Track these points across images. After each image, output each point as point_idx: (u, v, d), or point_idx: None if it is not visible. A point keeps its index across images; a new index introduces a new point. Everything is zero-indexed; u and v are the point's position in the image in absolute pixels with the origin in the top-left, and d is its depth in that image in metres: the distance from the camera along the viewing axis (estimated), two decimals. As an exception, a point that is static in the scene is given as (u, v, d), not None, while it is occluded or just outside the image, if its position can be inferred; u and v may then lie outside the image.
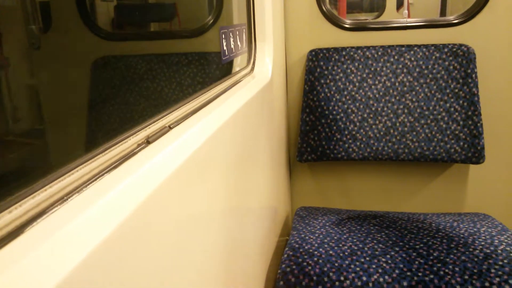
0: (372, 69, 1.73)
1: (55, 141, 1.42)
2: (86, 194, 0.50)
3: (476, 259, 1.27)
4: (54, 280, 0.37)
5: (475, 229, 1.43)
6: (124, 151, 0.62)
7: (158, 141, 0.70)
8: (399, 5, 3.54)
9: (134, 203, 0.51)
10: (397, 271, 1.24)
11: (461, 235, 1.39)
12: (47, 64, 1.60)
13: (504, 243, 1.32)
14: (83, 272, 0.40)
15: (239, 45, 1.36)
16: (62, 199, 0.48)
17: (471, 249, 1.31)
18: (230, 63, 1.45)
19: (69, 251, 0.40)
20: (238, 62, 1.50)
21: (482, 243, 1.34)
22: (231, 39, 1.26)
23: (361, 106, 1.74)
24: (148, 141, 0.67)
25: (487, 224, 1.47)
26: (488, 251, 1.29)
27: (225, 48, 1.19)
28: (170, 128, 0.76)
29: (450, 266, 1.25)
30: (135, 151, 0.64)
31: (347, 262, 1.28)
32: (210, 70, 1.82)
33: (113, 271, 0.46)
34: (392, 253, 1.31)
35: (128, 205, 0.50)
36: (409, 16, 3.68)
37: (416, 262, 1.27)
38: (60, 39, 1.68)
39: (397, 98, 1.72)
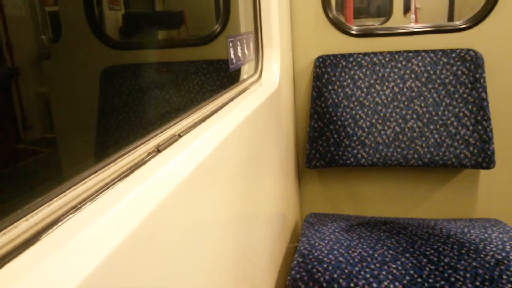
0: (380, 75, 1.73)
1: (65, 150, 1.43)
2: (99, 202, 0.51)
3: (487, 265, 1.25)
4: (69, 286, 0.38)
5: (486, 235, 1.42)
6: (135, 160, 0.63)
7: (168, 149, 0.71)
8: (406, 10, 3.54)
9: (145, 211, 0.52)
10: (407, 278, 1.23)
11: (472, 241, 1.38)
12: (56, 73, 1.62)
13: None
14: (96, 279, 0.41)
15: (247, 53, 1.37)
16: (76, 207, 0.49)
17: (482, 255, 1.30)
18: (237, 71, 1.46)
19: (83, 258, 0.41)
20: (246, 70, 1.51)
21: (494, 249, 1.32)
22: (239, 47, 1.27)
23: (369, 112, 1.73)
24: (158, 150, 0.68)
25: (498, 230, 1.46)
26: (499, 257, 1.28)
27: (232, 56, 1.20)
28: (179, 136, 0.77)
29: (461, 272, 1.24)
30: (145, 159, 0.65)
31: (357, 268, 1.27)
32: (218, 78, 1.82)
33: (124, 278, 0.46)
34: (403, 259, 1.30)
35: (140, 213, 0.51)
36: (416, 21, 3.68)
37: (427, 269, 1.26)
38: (70, 49, 1.70)
39: (406, 103, 1.72)
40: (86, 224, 0.46)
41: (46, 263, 0.39)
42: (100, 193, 0.53)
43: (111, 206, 0.50)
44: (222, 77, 1.82)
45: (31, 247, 0.41)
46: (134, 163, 0.62)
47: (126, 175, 0.58)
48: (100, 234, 0.45)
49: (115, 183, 0.56)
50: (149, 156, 0.66)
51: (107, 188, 0.54)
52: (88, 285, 0.40)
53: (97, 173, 0.55)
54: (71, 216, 0.47)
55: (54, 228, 0.45)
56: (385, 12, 3.65)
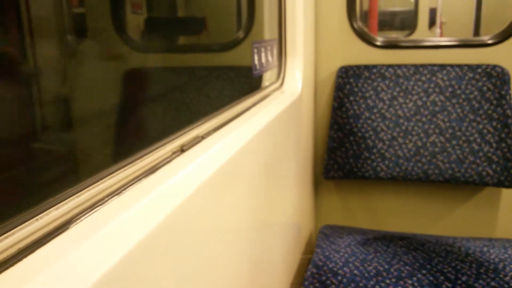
0: (403, 87, 1.71)
1: (86, 148, 1.45)
2: (124, 197, 0.53)
3: (506, 286, 1.22)
4: (91, 279, 0.39)
5: (506, 255, 1.38)
6: (160, 158, 0.64)
7: (191, 150, 0.72)
8: (432, 23, 3.51)
9: (168, 209, 0.53)
10: None
11: (491, 261, 1.35)
12: (81, 72, 1.64)
13: None
14: (115, 274, 0.42)
15: (270, 60, 1.37)
16: (101, 201, 0.50)
17: (501, 275, 1.26)
18: (259, 78, 1.45)
19: (105, 252, 0.42)
20: (268, 77, 1.51)
21: None
22: (263, 54, 1.27)
23: (391, 125, 1.71)
24: (182, 150, 0.69)
25: None
26: None
27: (256, 62, 1.20)
28: (203, 138, 0.78)
29: None
30: (170, 158, 0.66)
31: (372, 282, 1.25)
32: (238, 84, 1.83)
33: (141, 275, 0.47)
34: (419, 275, 1.28)
35: (163, 210, 0.52)
36: (441, 35, 3.64)
37: (444, 286, 1.23)
38: (95, 49, 1.72)
39: (428, 117, 1.69)
40: (110, 219, 0.47)
41: (72, 254, 0.41)
42: (126, 188, 0.54)
43: (135, 202, 0.51)
44: (243, 84, 1.82)
45: (60, 235, 0.44)
46: (159, 161, 0.63)
47: (151, 172, 0.60)
48: (123, 229, 0.46)
49: (141, 179, 0.57)
50: (174, 155, 0.67)
51: (133, 184, 0.56)
52: (107, 280, 0.40)
53: (124, 168, 0.56)
54: (97, 209, 0.49)
55: (82, 218, 0.47)
56: (410, 26, 3.62)
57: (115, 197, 0.52)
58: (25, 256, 0.39)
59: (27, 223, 0.42)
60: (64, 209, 0.46)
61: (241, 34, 1.92)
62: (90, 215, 0.48)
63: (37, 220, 0.43)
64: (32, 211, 0.43)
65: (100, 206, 0.49)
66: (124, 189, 0.54)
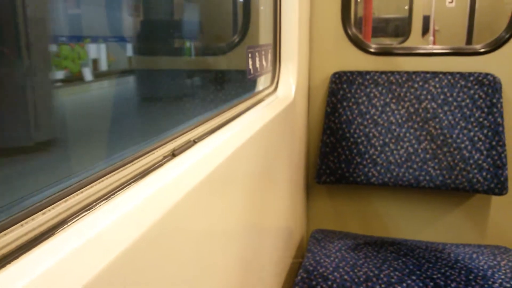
0: (396, 94, 1.73)
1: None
2: (114, 202, 0.52)
3: None
4: (80, 281, 0.39)
5: (495, 262, 1.39)
6: (151, 162, 0.64)
7: (183, 154, 0.71)
8: (425, 31, 3.54)
9: (158, 214, 0.52)
10: None
11: (481, 267, 1.36)
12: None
13: None
14: (105, 278, 0.42)
15: (264, 65, 1.38)
16: (89, 206, 0.50)
17: (490, 282, 1.28)
18: (253, 82, 1.46)
19: (93, 257, 0.42)
20: (262, 81, 1.51)
21: (502, 276, 1.30)
22: (257, 59, 1.27)
23: (383, 131, 1.72)
24: (173, 154, 0.69)
25: (508, 258, 1.43)
26: (508, 285, 1.26)
27: (250, 67, 1.21)
28: (195, 142, 0.77)
29: None
30: (161, 162, 0.66)
31: None
32: (232, 88, 1.83)
33: (131, 278, 0.47)
34: (409, 281, 1.29)
35: (153, 215, 0.52)
36: (434, 43, 3.67)
37: None
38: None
39: (420, 124, 1.70)
40: (99, 223, 0.47)
41: (60, 257, 0.41)
42: (115, 193, 0.54)
43: (125, 207, 0.51)
44: (236, 88, 1.83)
45: (48, 240, 0.43)
46: (150, 165, 0.63)
47: (142, 177, 0.59)
48: (112, 234, 0.46)
49: (130, 184, 0.57)
50: (165, 160, 0.67)
51: (122, 189, 0.55)
52: (96, 282, 0.40)
53: (113, 173, 0.56)
54: (85, 213, 0.48)
55: (69, 224, 0.46)
56: (403, 33, 3.65)
57: (104, 202, 0.52)
58: (13, 260, 0.39)
59: (10, 228, 0.41)
60: (50, 214, 0.45)
61: (236, 38, 1.93)
62: (77, 220, 0.47)
63: (21, 225, 0.42)
64: (18, 216, 0.43)
65: (88, 212, 0.49)
66: (114, 194, 0.53)
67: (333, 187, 1.91)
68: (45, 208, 0.45)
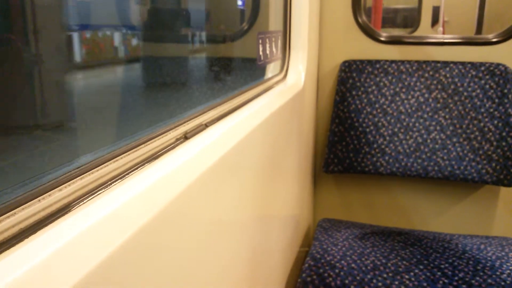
0: (406, 83, 1.71)
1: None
2: (127, 182, 0.53)
3: (503, 283, 1.23)
4: (92, 261, 0.39)
5: (503, 253, 1.39)
6: (164, 144, 0.64)
7: (195, 137, 0.71)
8: (434, 22, 3.50)
9: (170, 195, 0.53)
10: None
11: (488, 258, 1.35)
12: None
13: None
14: (118, 258, 0.42)
15: (274, 52, 1.37)
16: (104, 184, 0.50)
17: (498, 273, 1.27)
18: (261, 71, 1.45)
19: (108, 234, 0.43)
20: (271, 68, 1.50)
21: (510, 267, 1.30)
22: (267, 45, 1.26)
23: (392, 120, 1.71)
24: (186, 137, 0.69)
25: None
26: None
27: (261, 53, 1.20)
28: (206, 126, 0.78)
29: None
30: (174, 145, 0.66)
31: (369, 276, 1.26)
32: (240, 75, 1.83)
33: (143, 259, 0.47)
34: (416, 270, 1.29)
35: (165, 196, 0.52)
36: (443, 33, 3.64)
37: (441, 282, 1.24)
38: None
39: (430, 114, 1.69)
40: (113, 203, 0.47)
41: (73, 236, 0.41)
42: (129, 173, 0.54)
43: (138, 187, 0.51)
44: (245, 75, 1.82)
45: (62, 217, 0.44)
46: (163, 147, 0.63)
47: (155, 158, 0.60)
48: (125, 214, 0.46)
49: (144, 164, 0.57)
50: (177, 142, 0.67)
51: (136, 169, 0.56)
52: (109, 262, 0.41)
53: (128, 152, 0.56)
54: (99, 192, 0.49)
55: (84, 201, 0.47)
56: (412, 23, 3.62)
57: (118, 181, 0.52)
58: (26, 236, 0.39)
59: (29, 203, 0.42)
60: (67, 191, 0.46)
61: (245, 25, 1.92)
62: (92, 198, 0.48)
63: (39, 201, 0.43)
64: (35, 192, 0.43)
65: (103, 190, 0.49)
66: (127, 174, 0.54)
67: (340, 176, 1.91)
68: (61, 185, 0.46)
